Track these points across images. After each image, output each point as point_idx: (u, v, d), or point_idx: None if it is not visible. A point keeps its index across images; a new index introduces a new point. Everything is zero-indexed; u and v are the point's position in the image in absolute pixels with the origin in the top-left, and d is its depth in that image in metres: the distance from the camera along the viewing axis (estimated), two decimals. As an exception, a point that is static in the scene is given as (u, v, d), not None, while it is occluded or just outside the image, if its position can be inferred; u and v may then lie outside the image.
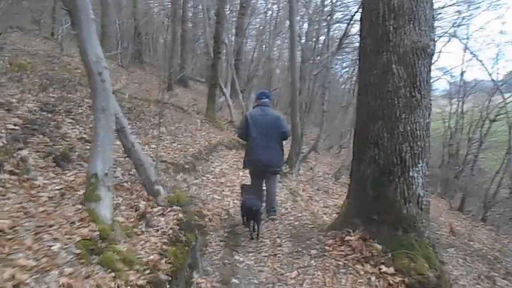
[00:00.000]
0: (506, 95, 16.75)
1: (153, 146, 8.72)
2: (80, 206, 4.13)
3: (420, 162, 5.31)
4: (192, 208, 6.12)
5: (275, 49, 37.77)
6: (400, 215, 5.25)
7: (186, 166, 8.63)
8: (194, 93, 22.83)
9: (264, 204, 6.81)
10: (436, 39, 5.50)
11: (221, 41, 15.10)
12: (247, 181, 7.65)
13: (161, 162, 8.01)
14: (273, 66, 38.22)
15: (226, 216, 6.97)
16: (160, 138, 9.61)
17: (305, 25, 33.20)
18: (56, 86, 8.42)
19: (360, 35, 5.87)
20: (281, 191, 9.06)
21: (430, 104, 5.43)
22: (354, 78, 35.43)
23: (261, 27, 36.19)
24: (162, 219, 5.01)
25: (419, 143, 5.28)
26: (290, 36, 11.89)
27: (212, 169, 9.72)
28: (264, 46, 36.90)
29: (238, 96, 19.97)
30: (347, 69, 35.35)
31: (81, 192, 4.43)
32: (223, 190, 8.44)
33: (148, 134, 9.39)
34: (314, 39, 30.24)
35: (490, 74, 16.80)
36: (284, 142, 6.99)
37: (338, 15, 27.92)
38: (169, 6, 24.60)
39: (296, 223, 6.95)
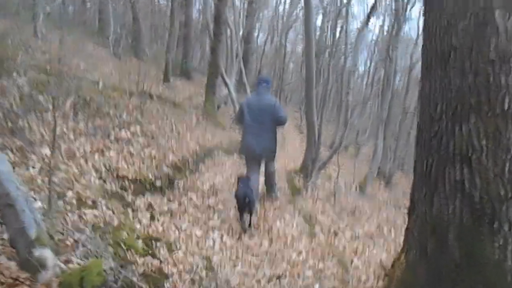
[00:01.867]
0: None
1: (110, 154, 6.07)
2: None
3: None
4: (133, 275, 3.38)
5: (288, 43, 35.40)
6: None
7: (157, 184, 5.94)
8: (198, 86, 20.02)
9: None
10: None
11: (222, 21, 12.36)
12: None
13: (115, 178, 5.37)
14: (286, 60, 35.61)
15: (205, 275, 4.21)
16: (129, 142, 6.97)
17: (319, 19, 31.05)
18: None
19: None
20: (293, 218, 6.36)
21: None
22: (372, 70, 32.88)
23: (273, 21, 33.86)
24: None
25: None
26: (305, 20, 9.08)
27: (200, 185, 7.00)
28: (276, 38, 34.56)
29: (246, 89, 17.31)
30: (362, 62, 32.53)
31: None
32: (209, 219, 5.74)
33: (110, 135, 6.72)
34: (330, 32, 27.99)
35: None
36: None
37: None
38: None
39: (317, 286, 4.24)
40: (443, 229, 2.90)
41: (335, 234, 6.20)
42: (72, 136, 5.95)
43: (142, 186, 5.62)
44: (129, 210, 4.75)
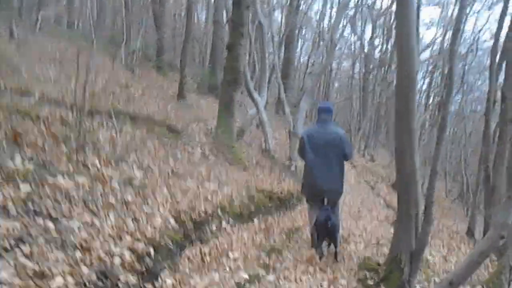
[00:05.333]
0: None
1: None
2: None
3: None
4: None
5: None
6: None
7: None
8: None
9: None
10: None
11: (244, 6, 7.65)
12: None
13: None
14: (331, 78, 30.57)
15: None
16: None
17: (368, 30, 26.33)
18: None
19: None
20: None
21: None
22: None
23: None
24: None
25: None
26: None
27: None
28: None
29: (284, 109, 12.67)
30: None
31: None
32: None
33: None
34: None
35: None
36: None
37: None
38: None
39: None
40: None
41: None
42: None
43: None
44: None
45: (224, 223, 5.03)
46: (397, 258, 4.06)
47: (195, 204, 4.85)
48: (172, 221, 4.17)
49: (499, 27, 7.72)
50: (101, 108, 6.72)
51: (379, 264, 4.76)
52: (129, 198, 4.16)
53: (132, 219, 3.82)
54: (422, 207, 4.06)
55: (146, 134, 6.69)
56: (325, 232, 4.80)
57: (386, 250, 5.39)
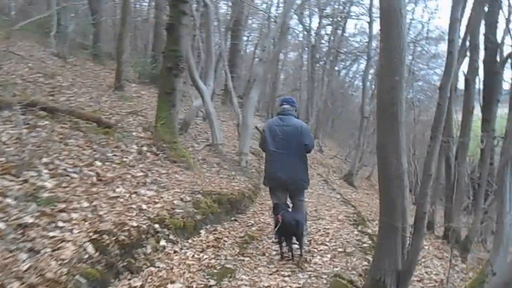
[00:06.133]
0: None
1: None
2: None
3: None
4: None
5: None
6: None
7: None
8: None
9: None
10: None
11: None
12: None
13: None
14: (278, 68, 29.77)
15: None
16: None
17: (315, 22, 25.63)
18: None
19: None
20: None
21: None
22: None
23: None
24: None
25: None
26: None
27: None
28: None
29: (233, 100, 11.76)
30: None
31: None
32: None
33: None
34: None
35: None
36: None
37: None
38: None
39: None
40: None
41: None
42: None
43: None
44: None
45: (162, 242, 4.00)
46: (379, 282, 3.19)
47: (124, 219, 3.80)
48: (90, 247, 3.10)
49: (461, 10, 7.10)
50: (12, 101, 5.49)
51: (351, 282, 3.93)
52: (29, 219, 3.06)
53: (28, 252, 2.74)
54: (409, 218, 3.23)
55: (69, 131, 5.53)
56: (291, 230, 4.57)
57: (356, 261, 4.59)
